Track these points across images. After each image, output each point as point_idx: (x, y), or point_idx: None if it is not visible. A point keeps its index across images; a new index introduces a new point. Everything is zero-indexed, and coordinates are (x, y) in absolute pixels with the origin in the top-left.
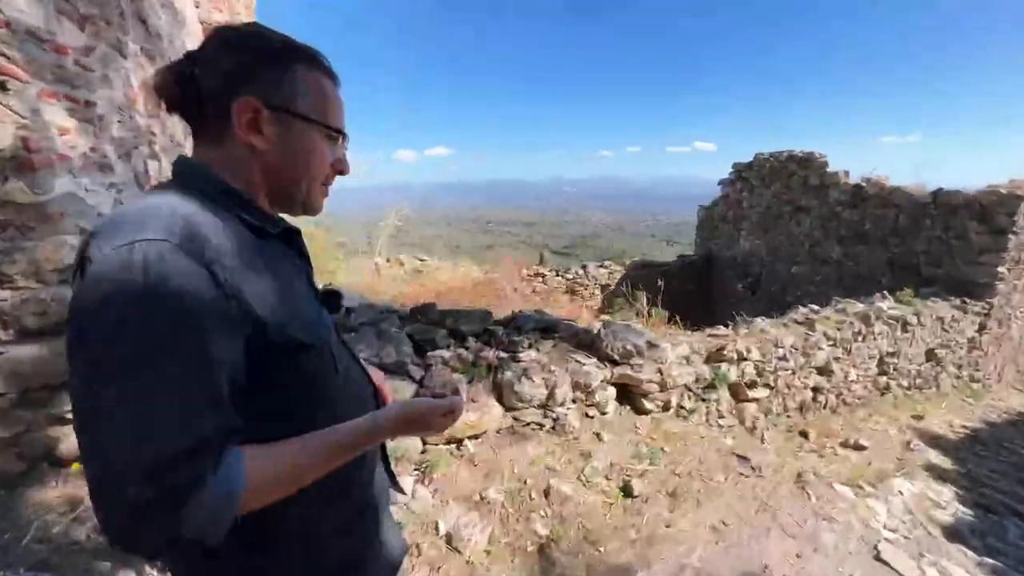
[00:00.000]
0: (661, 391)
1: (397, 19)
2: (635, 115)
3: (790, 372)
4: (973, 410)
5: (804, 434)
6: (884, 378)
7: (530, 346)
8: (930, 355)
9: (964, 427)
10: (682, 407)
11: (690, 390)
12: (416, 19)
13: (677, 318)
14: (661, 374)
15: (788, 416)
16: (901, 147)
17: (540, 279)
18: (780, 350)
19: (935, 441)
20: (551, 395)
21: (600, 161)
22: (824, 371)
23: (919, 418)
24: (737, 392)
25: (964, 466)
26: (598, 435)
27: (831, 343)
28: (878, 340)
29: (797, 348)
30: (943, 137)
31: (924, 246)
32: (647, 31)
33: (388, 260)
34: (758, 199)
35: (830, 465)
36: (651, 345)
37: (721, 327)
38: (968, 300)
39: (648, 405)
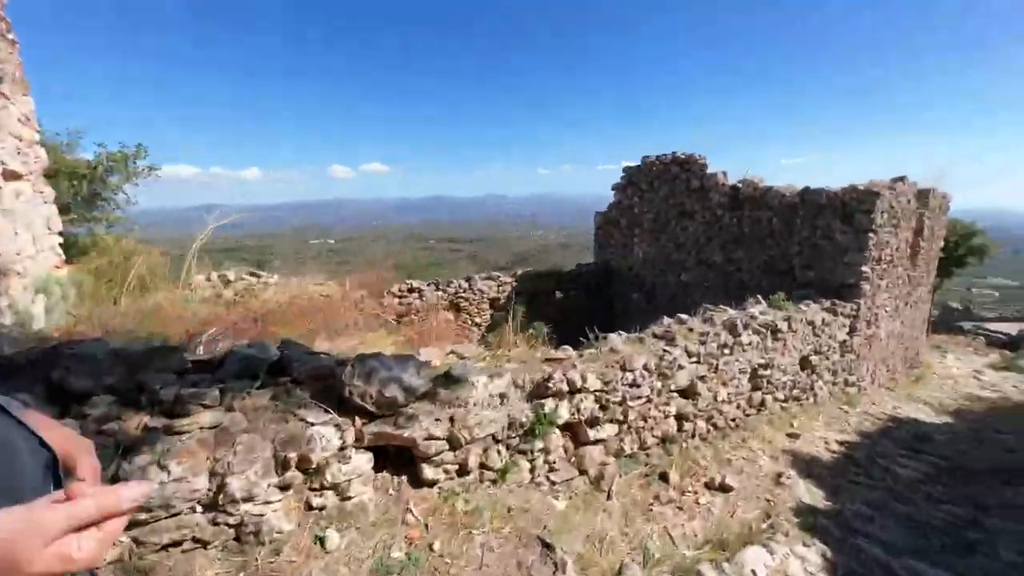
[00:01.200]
0: (453, 449)
1: (328, 29)
2: (566, 134)
3: (645, 400)
4: (848, 419)
5: (664, 476)
6: (759, 393)
7: (221, 402)
8: (804, 363)
9: (839, 443)
10: (487, 467)
11: (499, 441)
12: (349, 31)
13: (553, 336)
14: (453, 424)
15: (647, 454)
16: (795, 167)
17: (416, 295)
18: (629, 374)
19: (809, 467)
20: (221, 488)
21: (538, 178)
22: (689, 393)
23: (795, 437)
24: (576, 433)
25: (838, 500)
26: (321, 540)
27: (694, 359)
28: (748, 352)
29: (651, 370)
30: (830, 154)
31: (797, 248)
32: (575, 61)
33: (208, 278)
34: (648, 204)
35: (687, 523)
36: (451, 381)
37: (567, 347)
38: (837, 302)
39: (432, 473)
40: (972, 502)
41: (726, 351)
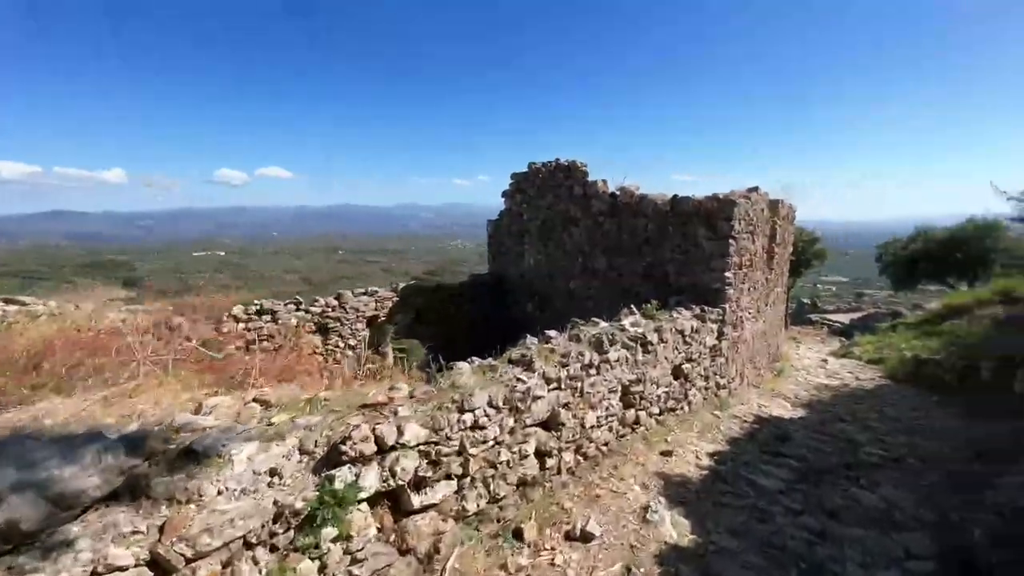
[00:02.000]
0: None
1: (222, 20)
2: (487, 145)
3: (492, 444)
4: (720, 424)
5: (519, 533)
6: (632, 411)
7: None
8: (677, 372)
9: (710, 455)
10: None
11: (257, 544)
12: (246, 26)
13: (430, 357)
14: (163, 536)
15: (500, 507)
16: (687, 182)
17: (268, 317)
18: (468, 415)
19: (679, 492)
20: None
21: (454, 188)
22: (551, 425)
23: (668, 455)
24: (398, 501)
25: (703, 530)
26: None
27: (554, 386)
28: (617, 369)
29: (500, 405)
30: (713, 176)
31: (670, 255)
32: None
33: None
34: (536, 211)
35: None
36: (189, 460)
37: (400, 386)
38: (707, 308)
39: None
40: (823, 508)
41: (592, 371)
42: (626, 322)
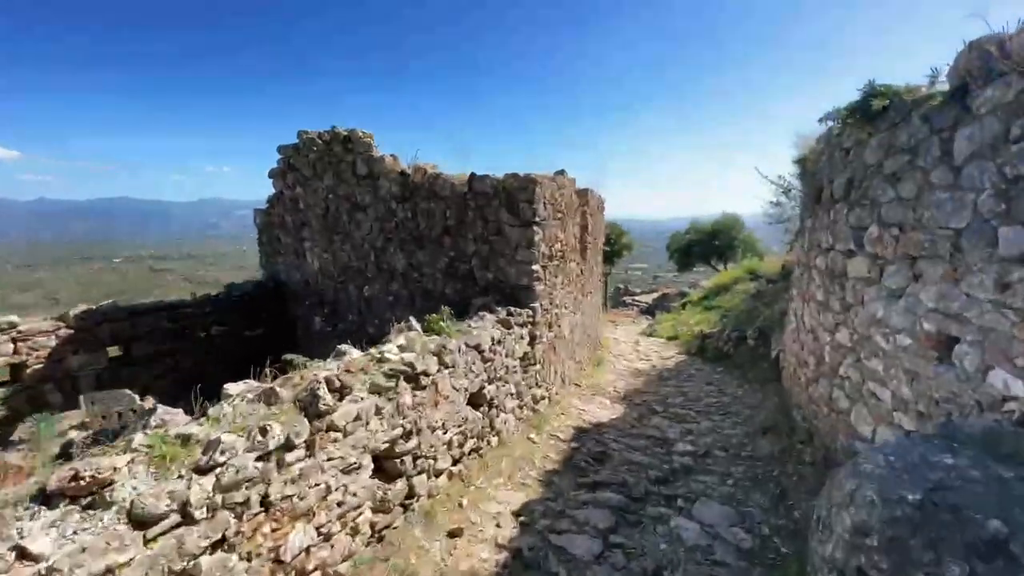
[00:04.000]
0: None
1: None
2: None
3: None
4: (535, 452)
5: None
6: (400, 482)
7: None
8: (477, 400)
9: (516, 516)
10: None
11: None
12: None
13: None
14: None
15: None
16: None
17: None
18: None
19: None
20: None
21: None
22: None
23: (457, 535)
24: None
25: None
26: None
27: (173, 520)
28: (358, 431)
29: None
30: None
31: (474, 246)
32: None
33: None
34: (314, 195)
35: None
36: None
37: None
38: (513, 311)
39: None
40: (646, 571)
41: (293, 456)
42: (392, 345)
